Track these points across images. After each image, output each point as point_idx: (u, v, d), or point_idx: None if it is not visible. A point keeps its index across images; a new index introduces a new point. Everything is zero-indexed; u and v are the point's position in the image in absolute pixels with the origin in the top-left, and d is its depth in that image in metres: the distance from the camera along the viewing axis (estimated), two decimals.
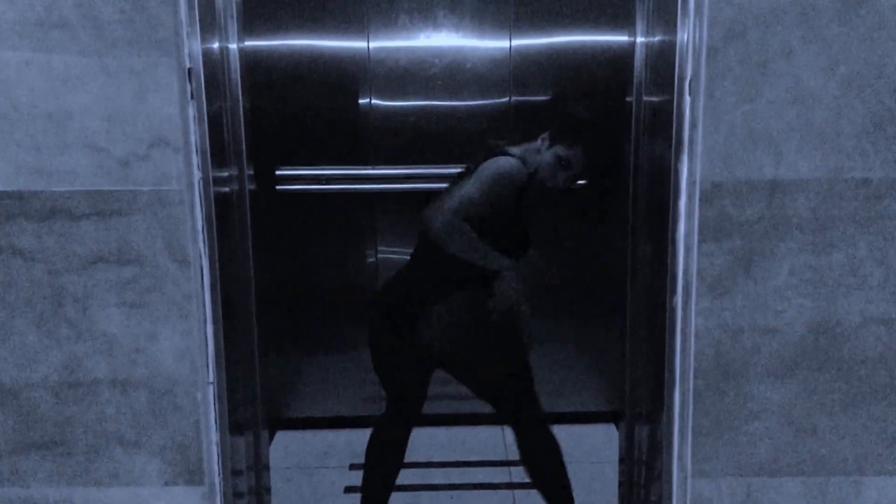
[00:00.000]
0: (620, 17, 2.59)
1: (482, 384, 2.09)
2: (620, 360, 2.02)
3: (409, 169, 2.67)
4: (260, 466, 1.94)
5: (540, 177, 1.94)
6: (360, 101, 2.66)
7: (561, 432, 2.10)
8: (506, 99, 2.71)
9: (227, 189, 1.73)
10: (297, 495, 2.52)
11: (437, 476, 2.59)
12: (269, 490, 1.99)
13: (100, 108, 1.48)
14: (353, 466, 2.66)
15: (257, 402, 1.93)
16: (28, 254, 1.52)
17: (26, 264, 1.53)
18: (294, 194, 2.71)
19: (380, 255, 2.79)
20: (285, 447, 2.82)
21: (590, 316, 2.90)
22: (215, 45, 1.65)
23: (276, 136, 2.66)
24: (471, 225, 1.86)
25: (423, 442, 2.75)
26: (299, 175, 2.70)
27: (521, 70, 2.70)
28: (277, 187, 2.69)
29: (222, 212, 1.66)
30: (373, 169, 2.70)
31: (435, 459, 2.70)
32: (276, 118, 2.64)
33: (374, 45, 2.61)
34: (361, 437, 2.70)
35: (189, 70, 1.49)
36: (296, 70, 2.62)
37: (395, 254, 2.77)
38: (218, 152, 1.62)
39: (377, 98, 2.66)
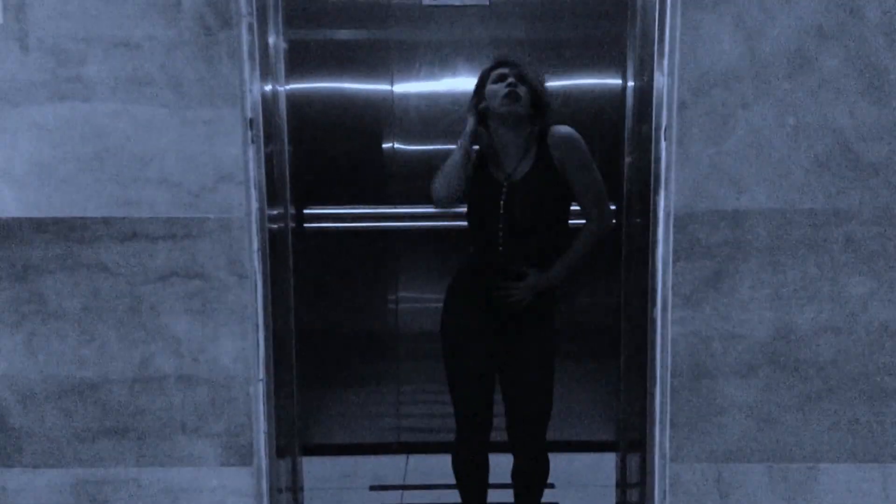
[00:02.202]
0: (614, 66, 2.82)
1: (525, 395, 2.13)
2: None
3: (431, 208, 2.86)
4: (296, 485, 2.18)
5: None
6: (384, 145, 2.90)
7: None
8: None
9: (275, 220, 2.03)
10: None
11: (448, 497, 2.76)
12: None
13: (176, 150, 1.79)
14: (372, 488, 2.89)
15: (294, 427, 2.18)
16: (112, 269, 1.83)
17: (110, 277, 1.83)
18: (320, 232, 2.91)
19: (401, 304, 2.98)
20: (308, 471, 3.02)
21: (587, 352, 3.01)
22: (269, 97, 1.98)
23: (304, 177, 2.83)
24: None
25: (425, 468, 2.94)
26: (325, 214, 2.91)
27: None
28: (305, 225, 2.91)
29: (272, 238, 1.96)
30: (394, 208, 2.91)
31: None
32: (304, 160, 2.81)
33: (398, 90, 2.86)
34: (377, 462, 2.95)
35: (250, 120, 1.81)
36: (322, 113, 2.83)
37: (416, 297, 2.97)
38: (270, 187, 1.94)
39: (399, 142, 2.91)
